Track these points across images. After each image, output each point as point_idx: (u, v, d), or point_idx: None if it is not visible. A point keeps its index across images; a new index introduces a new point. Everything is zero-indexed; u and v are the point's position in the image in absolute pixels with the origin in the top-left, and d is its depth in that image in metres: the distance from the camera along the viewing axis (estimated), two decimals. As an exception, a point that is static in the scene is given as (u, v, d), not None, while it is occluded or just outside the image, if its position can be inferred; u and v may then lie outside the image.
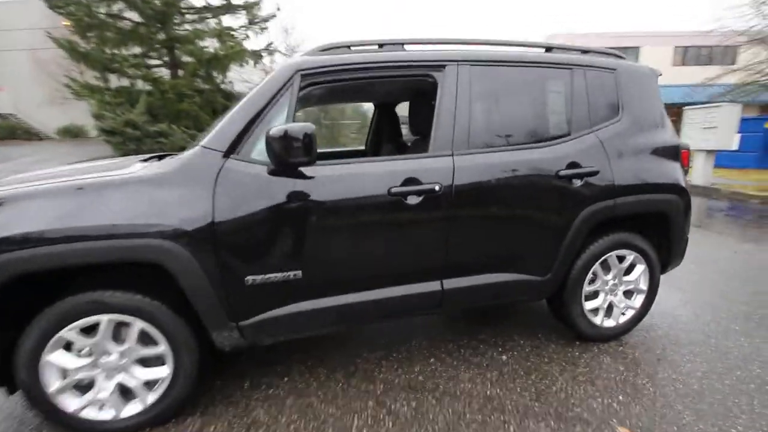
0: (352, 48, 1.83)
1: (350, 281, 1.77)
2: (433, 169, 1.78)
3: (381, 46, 1.87)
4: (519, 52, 2.06)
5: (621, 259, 2.22)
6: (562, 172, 1.95)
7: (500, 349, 2.23)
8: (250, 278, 1.60)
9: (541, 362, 2.10)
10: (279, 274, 1.64)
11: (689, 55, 22.92)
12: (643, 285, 2.29)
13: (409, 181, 1.74)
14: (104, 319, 1.49)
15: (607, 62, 2.18)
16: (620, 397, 1.82)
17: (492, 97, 1.94)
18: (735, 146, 9.18)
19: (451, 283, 1.91)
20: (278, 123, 1.64)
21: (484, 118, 1.92)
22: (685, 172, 2.31)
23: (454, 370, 2.04)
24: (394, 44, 1.88)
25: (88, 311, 1.47)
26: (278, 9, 13.03)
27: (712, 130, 8.27)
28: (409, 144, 2.65)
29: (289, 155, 1.50)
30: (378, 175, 1.72)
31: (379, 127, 3.06)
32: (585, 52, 2.21)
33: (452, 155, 1.82)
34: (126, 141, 9.69)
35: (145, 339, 1.56)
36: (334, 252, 1.71)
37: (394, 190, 1.70)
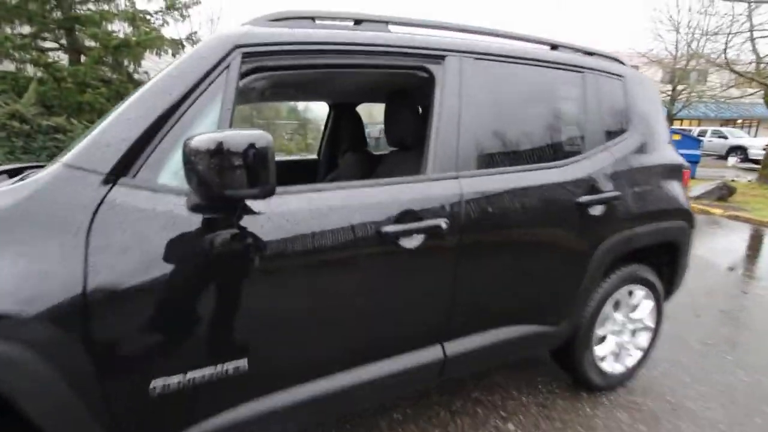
0: (317, 21, 1.27)
1: (320, 363, 1.21)
2: (436, 197, 1.28)
3: (358, 22, 1.33)
4: (528, 47, 1.64)
5: (629, 294, 1.93)
6: (584, 198, 1.57)
7: (503, 414, 1.80)
8: (157, 383, 0.97)
9: (555, 430, 1.71)
10: (208, 370, 1.02)
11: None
12: (650, 322, 2.01)
13: (406, 214, 1.22)
14: None
15: (615, 68, 1.86)
16: (658, 476, 1.49)
17: (500, 101, 1.50)
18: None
19: (454, 347, 1.43)
20: (204, 127, 1.04)
21: (493, 129, 1.47)
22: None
23: (454, 456, 1.56)
24: (375, 22, 1.35)
25: None
26: None
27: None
28: (379, 156, 2.14)
29: (224, 182, 0.90)
30: (362, 208, 1.17)
31: (337, 131, 2.51)
32: (590, 53, 1.87)
33: (458, 178, 1.34)
34: (11, 137, 7.84)
35: None
36: (297, 325, 1.13)
37: (387, 229, 1.17)
